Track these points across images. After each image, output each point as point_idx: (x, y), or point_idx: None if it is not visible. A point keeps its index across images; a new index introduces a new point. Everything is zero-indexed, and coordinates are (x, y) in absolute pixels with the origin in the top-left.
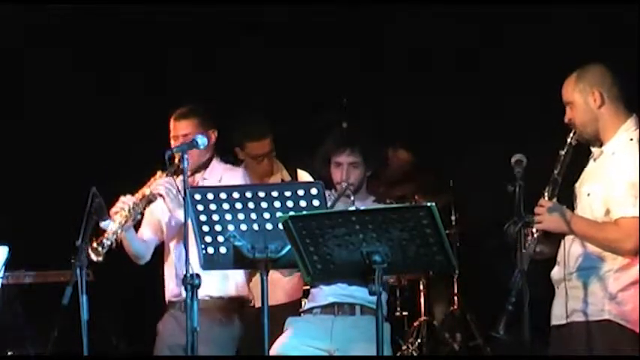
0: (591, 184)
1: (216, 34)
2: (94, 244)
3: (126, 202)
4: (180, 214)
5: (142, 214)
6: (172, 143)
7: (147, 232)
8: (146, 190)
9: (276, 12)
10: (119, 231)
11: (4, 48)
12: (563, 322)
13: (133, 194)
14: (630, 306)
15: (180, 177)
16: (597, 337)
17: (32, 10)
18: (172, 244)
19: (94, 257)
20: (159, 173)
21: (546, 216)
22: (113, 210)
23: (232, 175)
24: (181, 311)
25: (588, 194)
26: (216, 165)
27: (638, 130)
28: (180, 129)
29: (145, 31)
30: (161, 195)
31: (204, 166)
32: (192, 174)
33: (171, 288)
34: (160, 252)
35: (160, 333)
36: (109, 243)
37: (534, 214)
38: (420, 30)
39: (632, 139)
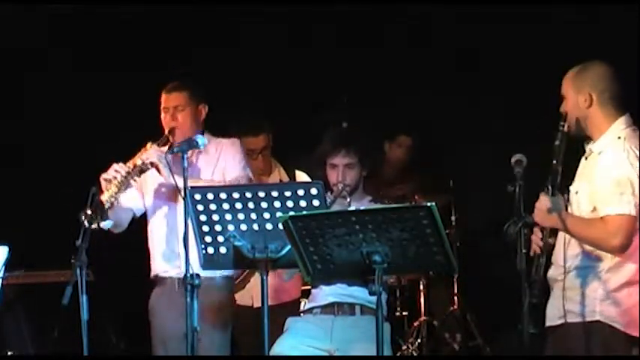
0: (580, 182)
1: (217, 33)
2: (88, 211)
3: (119, 170)
4: (173, 181)
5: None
6: (162, 115)
7: (128, 201)
8: (138, 160)
9: (277, 12)
10: (113, 200)
11: (4, 48)
12: (558, 322)
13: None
14: (623, 307)
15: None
16: (589, 338)
17: (32, 10)
18: (163, 212)
19: (86, 223)
20: (149, 144)
21: (544, 214)
22: (104, 176)
23: (231, 144)
24: (176, 289)
25: (576, 192)
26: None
27: (628, 129)
28: (171, 101)
29: (145, 30)
30: (153, 163)
31: None
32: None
33: (159, 263)
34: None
35: (154, 311)
36: (103, 211)
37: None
38: (419, 30)
39: (619, 137)
